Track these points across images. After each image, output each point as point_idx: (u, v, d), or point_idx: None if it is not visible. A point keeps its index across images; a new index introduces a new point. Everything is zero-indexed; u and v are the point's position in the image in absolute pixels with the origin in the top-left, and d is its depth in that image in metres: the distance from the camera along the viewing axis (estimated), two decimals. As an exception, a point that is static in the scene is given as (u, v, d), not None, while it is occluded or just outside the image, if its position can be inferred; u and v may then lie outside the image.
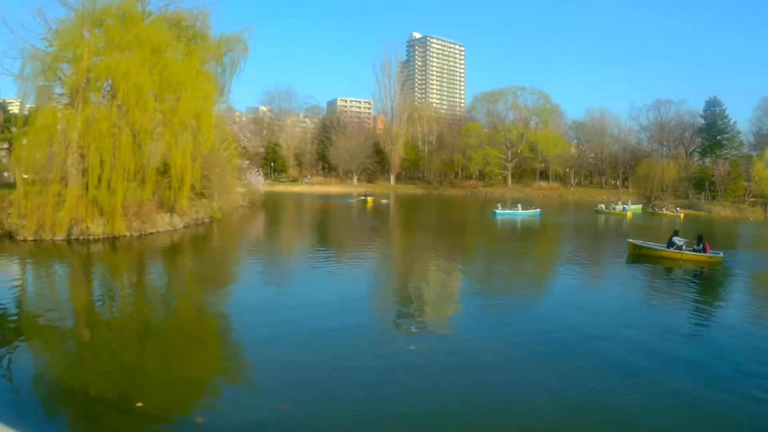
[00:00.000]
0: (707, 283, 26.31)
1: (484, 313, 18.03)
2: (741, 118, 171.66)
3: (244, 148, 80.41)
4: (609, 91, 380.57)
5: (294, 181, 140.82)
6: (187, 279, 24.21)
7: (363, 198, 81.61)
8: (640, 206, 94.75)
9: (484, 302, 19.72)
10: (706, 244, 30.49)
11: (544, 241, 43.42)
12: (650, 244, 33.11)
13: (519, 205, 67.24)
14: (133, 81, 33.78)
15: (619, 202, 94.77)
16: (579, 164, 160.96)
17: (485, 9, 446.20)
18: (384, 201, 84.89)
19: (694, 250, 30.53)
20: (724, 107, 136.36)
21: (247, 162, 71.72)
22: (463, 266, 29.02)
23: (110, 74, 35.13)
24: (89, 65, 34.96)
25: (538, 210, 67.61)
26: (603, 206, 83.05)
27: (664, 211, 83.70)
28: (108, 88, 36.81)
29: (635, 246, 33.08)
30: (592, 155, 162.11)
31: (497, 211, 63.07)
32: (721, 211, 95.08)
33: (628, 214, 75.56)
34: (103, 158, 32.40)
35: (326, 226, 49.41)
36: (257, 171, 73.70)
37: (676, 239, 31.44)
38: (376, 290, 21.76)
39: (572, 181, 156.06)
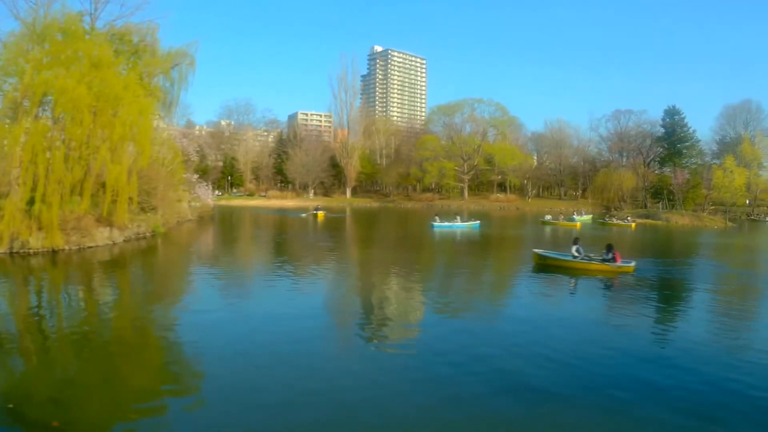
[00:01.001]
0: (611, 296, 25.11)
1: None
2: (704, 127, 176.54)
3: (194, 161, 79.59)
4: (571, 102, 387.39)
5: (251, 194, 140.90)
6: (122, 292, 23.88)
7: (314, 212, 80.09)
8: (590, 217, 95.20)
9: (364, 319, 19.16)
10: (616, 253, 29.59)
11: (467, 255, 41.35)
12: (555, 254, 32.24)
13: (458, 217, 66.53)
14: (70, 96, 33.99)
15: (574, 213, 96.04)
16: (538, 175, 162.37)
17: (448, 22, 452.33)
18: (334, 215, 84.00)
19: (604, 260, 29.56)
20: (683, 116, 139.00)
21: (196, 176, 71.83)
22: (361, 282, 27.77)
23: (49, 89, 35.42)
24: (32, 80, 35.14)
25: (478, 222, 66.87)
26: (550, 217, 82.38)
27: (615, 221, 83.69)
28: (49, 103, 37.14)
29: (540, 256, 32.04)
30: (552, 166, 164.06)
31: (435, 223, 61.71)
32: (679, 219, 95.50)
33: (577, 224, 75.82)
34: (37, 173, 32.55)
35: (267, 241, 48.77)
36: (206, 185, 73.38)
37: (576, 248, 30.72)
38: (294, 307, 20.43)
39: (530, 193, 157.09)
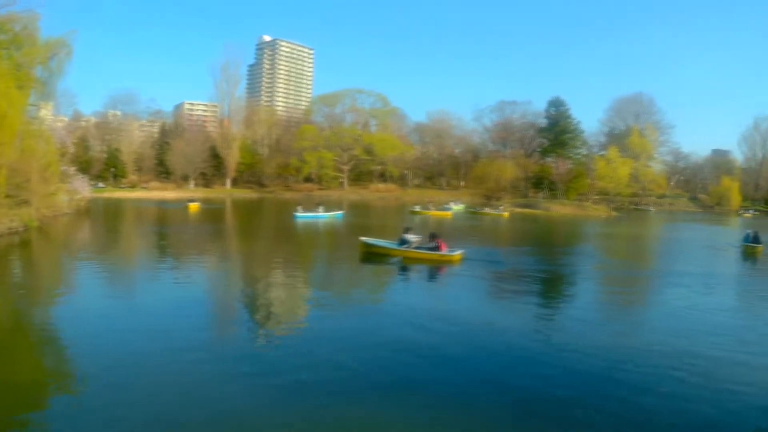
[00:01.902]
0: (425, 283, 25.91)
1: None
2: (594, 119, 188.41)
3: (72, 153, 78.80)
4: (459, 94, 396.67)
5: (133, 186, 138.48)
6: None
7: (187, 203, 77.57)
8: (462, 206, 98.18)
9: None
10: (440, 241, 29.84)
11: (305, 245, 42.78)
12: (381, 243, 32.36)
13: (320, 208, 66.01)
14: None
15: (451, 203, 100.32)
16: (419, 165, 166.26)
17: (337, 12, 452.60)
18: (210, 207, 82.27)
19: (429, 249, 29.82)
20: (567, 107, 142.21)
21: (73, 168, 71.96)
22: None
23: None
24: None
25: (341, 212, 67.39)
26: (419, 207, 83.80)
27: (487, 210, 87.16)
28: None
29: (366, 244, 32.39)
30: (435, 156, 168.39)
31: (298, 214, 61.30)
32: (560, 209, 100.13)
33: (448, 213, 78.79)
34: None
35: (138, 234, 48.05)
36: (83, 177, 73.23)
37: (407, 236, 30.91)
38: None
39: (410, 183, 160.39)
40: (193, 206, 75.48)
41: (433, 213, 78.93)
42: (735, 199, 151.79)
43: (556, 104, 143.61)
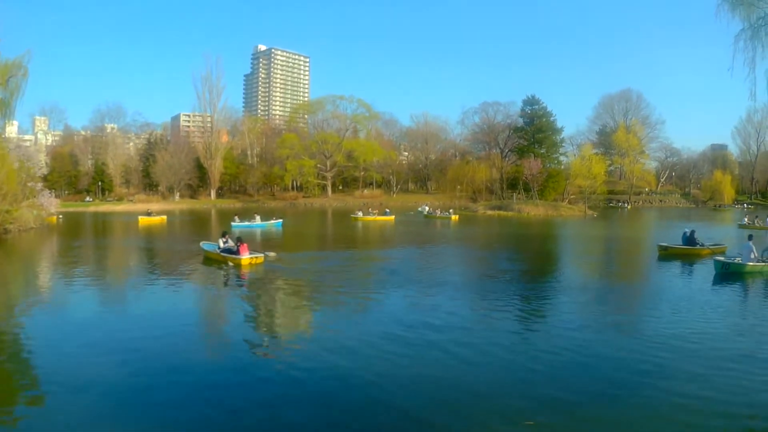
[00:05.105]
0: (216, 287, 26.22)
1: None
2: (582, 117, 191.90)
3: (32, 169, 79.25)
4: (452, 97, 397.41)
5: (120, 200, 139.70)
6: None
7: (146, 215, 75.09)
8: (426, 210, 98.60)
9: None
10: (241, 245, 30.98)
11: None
12: (209, 247, 34.75)
13: (258, 217, 65.18)
14: None
15: (425, 206, 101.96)
16: (405, 170, 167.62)
17: (332, 20, 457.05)
18: (175, 218, 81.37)
19: (231, 252, 31.38)
20: (543, 105, 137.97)
21: (40, 185, 73.19)
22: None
23: None
24: None
25: (280, 221, 66.49)
26: (360, 213, 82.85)
27: (439, 214, 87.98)
28: None
29: (204, 249, 34.86)
30: (421, 160, 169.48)
31: (234, 223, 60.55)
32: (533, 210, 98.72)
33: (391, 218, 79.18)
34: None
35: (91, 246, 47.12)
36: (49, 193, 74.33)
37: (220, 240, 33.54)
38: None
39: (395, 188, 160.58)
40: (145, 219, 72.26)
41: (374, 218, 79.01)
42: (728, 193, 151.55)
43: (531, 103, 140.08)
